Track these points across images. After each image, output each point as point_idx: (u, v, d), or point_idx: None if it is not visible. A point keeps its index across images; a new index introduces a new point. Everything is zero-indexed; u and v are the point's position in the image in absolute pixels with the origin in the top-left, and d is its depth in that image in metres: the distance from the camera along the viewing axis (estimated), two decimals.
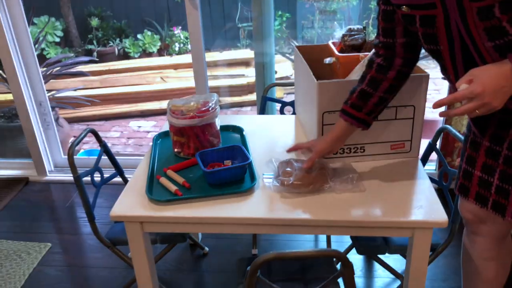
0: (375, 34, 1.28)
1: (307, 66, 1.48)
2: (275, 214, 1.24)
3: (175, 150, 1.52)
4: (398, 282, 1.87)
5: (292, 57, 4.60)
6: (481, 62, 1.01)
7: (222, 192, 1.31)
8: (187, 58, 4.77)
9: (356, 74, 1.49)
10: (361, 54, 1.52)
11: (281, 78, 4.19)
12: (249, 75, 4.43)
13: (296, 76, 1.73)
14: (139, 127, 4.01)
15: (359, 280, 1.90)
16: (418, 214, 1.21)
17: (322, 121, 1.40)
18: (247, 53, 4.70)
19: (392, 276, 1.89)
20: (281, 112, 2.03)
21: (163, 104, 4.15)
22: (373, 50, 1.29)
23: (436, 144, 1.62)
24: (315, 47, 1.71)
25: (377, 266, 1.97)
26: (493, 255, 1.32)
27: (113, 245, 1.55)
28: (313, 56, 1.63)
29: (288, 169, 1.31)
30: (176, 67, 4.67)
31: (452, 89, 1.17)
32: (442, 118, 2.41)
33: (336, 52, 1.57)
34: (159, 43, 5.05)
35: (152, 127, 3.99)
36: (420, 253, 1.26)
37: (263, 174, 1.37)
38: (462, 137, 1.50)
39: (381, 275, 1.92)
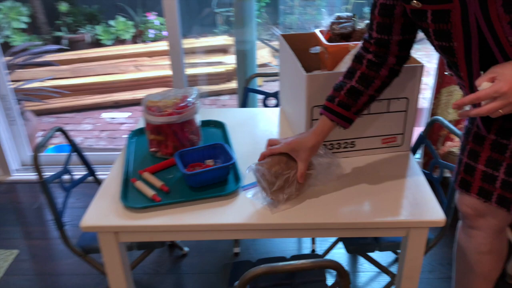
0: (367, 27, 1.17)
1: (294, 56, 1.37)
2: (263, 219, 1.14)
3: (152, 149, 1.40)
4: (384, 276, 1.81)
5: (272, 43, 4.48)
6: (503, 58, 0.92)
7: (204, 195, 1.20)
8: (162, 46, 4.59)
9: (346, 65, 1.39)
10: (350, 44, 1.43)
11: (260, 66, 4.08)
12: (227, 62, 4.29)
13: (281, 66, 1.62)
14: (113, 118, 3.84)
15: None
16: (414, 213, 1.14)
17: (311, 115, 1.30)
18: (224, 40, 4.55)
19: (376, 269, 1.83)
20: (264, 103, 1.93)
21: (137, 94, 3.99)
22: (361, 45, 1.18)
23: (427, 136, 1.54)
24: (301, 36, 1.60)
25: (361, 260, 1.91)
26: (490, 249, 1.28)
27: (85, 253, 1.43)
28: (299, 45, 1.53)
29: (273, 178, 1.19)
30: (151, 55, 4.49)
31: (463, 87, 1.09)
32: (426, 106, 2.35)
33: (325, 41, 1.46)
34: (133, 30, 4.85)
35: (126, 119, 3.83)
36: (414, 253, 1.19)
37: (243, 186, 1.24)
38: (455, 128, 1.43)
39: (367, 269, 1.86)
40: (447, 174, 2.15)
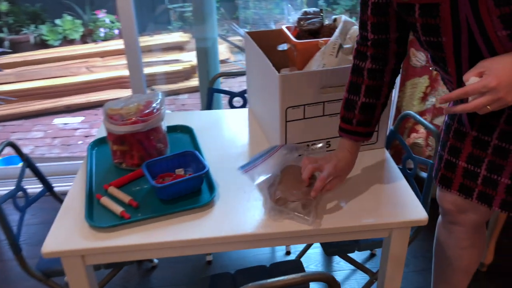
0: (359, 29, 1.11)
1: (264, 56, 1.30)
2: (241, 230, 1.07)
3: (116, 161, 1.29)
4: (358, 273, 1.79)
5: (230, 39, 4.40)
6: (489, 54, 0.90)
7: (177, 209, 1.12)
8: (115, 45, 4.39)
9: (317, 62, 1.34)
10: (320, 40, 1.38)
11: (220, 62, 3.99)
12: (184, 60, 4.17)
13: (248, 65, 1.56)
14: (65, 124, 3.64)
15: None
16: (396, 214, 1.11)
17: (286, 117, 1.24)
18: (180, 37, 4.42)
19: (351, 267, 1.81)
20: (230, 104, 1.85)
21: (91, 97, 3.80)
22: (355, 53, 1.13)
23: (398, 131, 1.53)
24: (267, 33, 1.54)
25: (337, 259, 1.89)
26: (470, 244, 1.28)
27: (46, 277, 1.31)
28: (265, 42, 1.46)
29: (281, 187, 1.12)
30: (103, 55, 4.29)
31: (450, 82, 1.07)
32: (391, 99, 2.36)
33: (293, 39, 1.41)
34: (81, 29, 4.61)
35: (80, 124, 3.63)
36: (397, 252, 1.16)
37: (241, 167, 1.17)
38: (427, 123, 1.42)
39: (343, 268, 1.84)
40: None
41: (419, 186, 1.38)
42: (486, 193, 1.13)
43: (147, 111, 1.25)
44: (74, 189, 1.23)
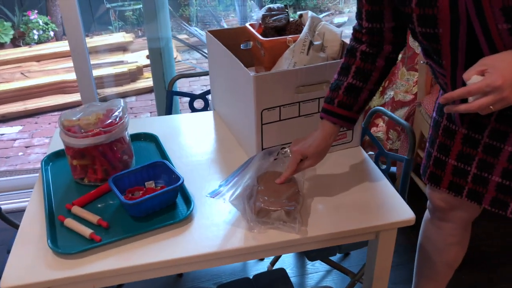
0: (356, 17, 1.06)
1: (232, 56, 1.23)
2: (226, 245, 1.00)
3: (76, 177, 1.17)
4: (335, 273, 1.77)
5: (179, 36, 4.25)
6: (488, 47, 0.87)
7: (153, 226, 1.02)
8: (51, 47, 4.11)
9: (287, 61, 1.29)
10: (288, 37, 1.32)
11: None
12: (128, 61, 3.99)
13: (212, 65, 1.47)
14: (2, 135, 3.36)
15: (294, 279, 1.76)
16: (382, 216, 1.08)
17: (261, 119, 1.18)
18: (123, 37, 4.22)
19: (326, 267, 1.79)
20: (191, 107, 1.76)
21: (28, 105, 3.53)
22: (352, 36, 1.09)
23: (369, 128, 1.51)
24: (229, 31, 1.46)
25: (307, 261, 1.86)
26: (457, 240, 1.29)
27: None
28: (227, 41, 1.38)
29: (260, 197, 1.04)
30: (38, 58, 4.01)
31: (442, 76, 1.03)
32: None
33: (260, 37, 1.34)
34: (12, 32, 4.28)
35: (18, 134, 3.36)
36: (384, 254, 1.14)
37: (210, 194, 1.07)
38: (399, 119, 1.41)
39: (318, 269, 1.81)
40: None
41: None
42: (476, 191, 1.11)
43: (109, 120, 1.14)
44: (30, 211, 1.09)
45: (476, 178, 1.10)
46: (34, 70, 3.89)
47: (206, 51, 3.21)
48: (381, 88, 2.15)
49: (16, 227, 1.55)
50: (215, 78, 1.48)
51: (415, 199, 1.58)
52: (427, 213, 1.36)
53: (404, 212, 1.09)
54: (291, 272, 1.79)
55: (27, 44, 4.28)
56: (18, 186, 2.13)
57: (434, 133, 1.18)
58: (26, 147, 3.21)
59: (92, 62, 3.99)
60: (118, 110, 1.18)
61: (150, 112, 3.53)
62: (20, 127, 3.43)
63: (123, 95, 3.77)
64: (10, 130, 3.41)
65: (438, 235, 1.30)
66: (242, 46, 1.51)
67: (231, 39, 1.44)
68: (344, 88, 1.06)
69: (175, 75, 2.15)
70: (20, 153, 3.13)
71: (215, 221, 1.05)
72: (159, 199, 1.06)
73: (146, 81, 3.84)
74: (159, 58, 1.97)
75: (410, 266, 1.53)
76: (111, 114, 1.17)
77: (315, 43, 1.28)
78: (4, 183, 2.15)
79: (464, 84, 0.86)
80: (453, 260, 1.33)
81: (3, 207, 2.13)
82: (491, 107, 0.83)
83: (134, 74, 3.86)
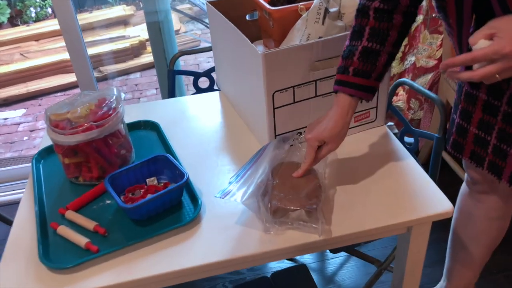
0: None
1: (237, 31, 1.08)
2: (240, 250, 0.88)
3: (70, 176, 1.05)
4: (355, 258, 1.65)
5: (182, 5, 4.05)
6: (501, 8, 0.75)
7: (156, 232, 0.90)
8: (50, 25, 3.95)
9: (299, 33, 1.13)
10: (299, 5, 1.16)
11: None
12: (130, 35, 3.81)
13: (215, 41, 1.32)
14: (5, 119, 3.26)
15: (314, 265, 1.65)
16: (415, 209, 0.95)
17: (273, 103, 1.03)
18: (123, 10, 4.04)
19: (343, 253, 1.67)
20: (195, 86, 1.62)
21: (31, 86, 3.41)
22: None
23: (391, 102, 1.36)
24: (233, 1, 1.30)
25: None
26: (500, 215, 1.18)
27: None
28: (230, 12, 1.23)
29: (276, 193, 0.92)
30: (37, 38, 3.85)
31: (451, 35, 0.91)
32: None
33: (267, 6, 1.18)
34: (8, 10, 4.11)
35: (22, 117, 3.26)
36: (417, 248, 1.02)
37: (220, 196, 0.92)
38: (426, 91, 1.26)
39: (338, 254, 1.70)
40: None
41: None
42: (496, 163, 1.01)
43: (102, 112, 1.01)
44: (20, 217, 0.99)
45: (496, 150, 0.99)
46: (34, 50, 3.74)
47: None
48: (400, 54, 1.97)
49: (10, 223, 1.45)
50: (219, 55, 1.33)
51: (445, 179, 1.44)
52: (464, 187, 1.24)
53: (440, 203, 0.96)
54: (309, 258, 1.68)
55: (25, 22, 4.12)
56: (17, 176, 2.04)
57: (457, 98, 1.08)
58: (31, 131, 3.11)
59: (92, 39, 3.83)
60: (112, 99, 1.05)
61: (156, 88, 3.39)
62: (23, 110, 3.32)
63: (127, 72, 3.62)
64: (14, 114, 3.30)
65: (478, 210, 1.18)
66: (247, 17, 1.35)
67: (236, 9, 1.29)
68: (359, 53, 0.90)
69: (176, 51, 2.00)
70: (25, 138, 3.04)
71: (227, 222, 0.93)
72: (161, 200, 0.94)
73: (150, 56, 3.65)
74: (158, 33, 1.81)
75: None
76: (103, 104, 1.03)
77: (331, 10, 1.11)
78: (3, 174, 2.06)
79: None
80: (495, 238, 1.22)
81: (8, 198, 2.04)
82: (497, 75, 0.72)
83: (137, 49, 3.69)
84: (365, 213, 0.94)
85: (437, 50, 1.86)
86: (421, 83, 1.93)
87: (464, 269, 1.31)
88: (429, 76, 1.88)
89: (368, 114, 1.17)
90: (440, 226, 0.96)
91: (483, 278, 1.35)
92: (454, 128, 1.09)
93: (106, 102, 1.03)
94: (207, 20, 3.28)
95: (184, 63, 3.67)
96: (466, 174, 1.20)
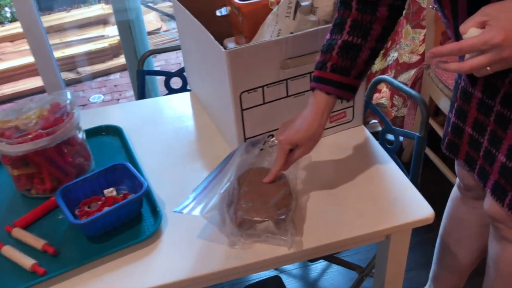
0: None
1: (201, 27, 1.00)
2: (203, 268, 0.80)
3: (21, 189, 0.97)
4: (334, 266, 1.58)
5: (158, 6, 3.95)
6: None
7: (112, 249, 0.82)
8: None
9: (270, 28, 1.06)
10: None
11: (149, 34, 3.57)
12: (110, 35, 3.71)
13: (183, 38, 1.24)
14: None
15: (295, 271, 1.58)
16: (395, 215, 0.88)
17: (241, 105, 0.96)
18: (102, 9, 3.93)
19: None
20: (167, 86, 1.53)
21: (5, 89, 3.30)
22: None
23: (371, 101, 1.29)
24: None
25: None
26: None
27: None
28: (198, 8, 1.15)
29: (242, 203, 0.85)
30: (12, 38, 3.73)
31: (448, 28, 0.84)
32: None
33: (236, 0, 1.10)
34: None
35: None
36: (398, 255, 0.95)
37: (177, 211, 0.85)
38: (407, 88, 1.19)
39: (319, 261, 1.63)
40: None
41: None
42: (484, 169, 0.94)
43: (54, 118, 0.92)
44: None
45: (486, 153, 0.92)
46: (9, 51, 3.62)
47: None
48: (383, 50, 1.90)
49: None
50: (188, 53, 1.25)
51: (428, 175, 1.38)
52: (455, 192, 1.18)
53: (420, 208, 0.89)
54: (290, 265, 1.61)
55: (0, 23, 3.99)
56: None
57: (453, 95, 1.00)
58: None
59: (69, 39, 3.72)
60: (65, 103, 0.96)
61: None
62: None
63: (106, 73, 3.51)
64: None
65: (471, 216, 1.13)
66: (217, 13, 1.27)
67: (205, 5, 1.20)
68: (339, 47, 0.82)
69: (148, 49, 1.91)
70: None
71: (190, 236, 0.85)
72: (118, 214, 0.86)
73: None
74: (128, 32, 1.72)
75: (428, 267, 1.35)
76: (56, 109, 0.95)
77: (303, 4, 1.04)
78: None
79: None
80: (485, 246, 1.15)
81: None
82: (488, 68, 0.65)
83: (116, 49, 3.59)
84: (340, 221, 0.87)
85: (420, 45, 1.80)
86: (404, 79, 1.86)
87: (452, 275, 1.26)
88: (412, 72, 1.82)
89: (344, 114, 1.10)
90: (423, 227, 0.89)
91: (468, 280, 1.29)
92: (450, 127, 1.02)
93: (60, 106, 0.95)
94: None
95: (166, 62, 3.58)
96: (458, 179, 1.14)
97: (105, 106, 1.29)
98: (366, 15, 0.82)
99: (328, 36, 0.86)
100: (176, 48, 1.46)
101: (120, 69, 3.55)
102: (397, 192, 0.93)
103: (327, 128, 1.09)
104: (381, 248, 0.97)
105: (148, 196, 0.92)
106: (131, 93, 3.26)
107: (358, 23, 0.82)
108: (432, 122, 1.77)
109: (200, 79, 1.20)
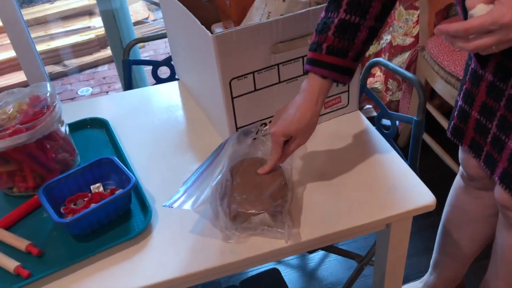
0: None
1: (187, 12, 0.95)
2: (196, 265, 0.76)
3: (2, 187, 0.92)
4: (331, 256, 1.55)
5: None
6: None
7: (100, 248, 0.78)
8: None
9: (259, 11, 1.01)
10: None
11: (136, 24, 3.49)
12: (96, 26, 3.63)
13: (169, 25, 1.19)
14: None
15: (294, 261, 1.55)
16: (395, 202, 0.85)
17: (231, 92, 0.91)
18: (86, 0, 3.84)
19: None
20: (154, 76, 1.48)
21: None
22: None
23: (366, 85, 1.25)
24: None
25: None
26: (497, 212, 1.06)
27: None
28: None
29: (236, 195, 0.80)
30: None
31: (459, 12, 0.79)
32: None
33: None
34: None
35: None
36: (398, 244, 0.92)
37: (167, 205, 0.81)
38: (403, 70, 1.15)
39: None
40: None
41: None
42: (492, 156, 0.90)
43: (33, 111, 0.87)
44: None
45: (494, 140, 0.88)
46: None
47: None
48: None
49: None
50: (175, 41, 1.19)
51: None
52: (459, 181, 1.14)
53: (420, 195, 0.86)
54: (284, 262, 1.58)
55: None
56: None
57: (463, 77, 0.95)
58: None
59: (54, 31, 3.63)
60: (45, 95, 0.91)
61: None
62: None
63: (94, 65, 3.44)
64: None
65: (476, 207, 1.09)
66: None
67: None
68: (335, 27, 0.76)
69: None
70: None
71: (182, 232, 0.82)
72: (105, 211, 0.81)
73: None
74: (113, 22, 1.66)
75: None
76: (36, 103, 0.90)
77: None
78: None
79: None
80: (491, 234, 1.12)
81: None
82: (493, 47, 0.61)
83: (104, 40, 3.51)
84: (338, 212, 0.83)
85: (413, 27, 1.75)
86: (398, 63, 1.82)
87: (454, 263, 1.23)
88: (406, 55, 1.78)
89: (339, 99, 1.05)
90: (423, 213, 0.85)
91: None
92: (456, 111, 0.98)
93: (40, 99, 0.90)
94: None
95: (154, 52, 3.51)
96: (461, 168, 1.10)
97: (91, 99, 1.24)
98: None
99: (323, 14, 0.80)
100: (162, 36, 1.41)
101: (108, 60, 3.48)
102: (396, 179, 0.89)
103: (322, 114, 1.05)
104: (381, 236, 0.94)
105: (137, 191, 0.88)
106: (119, 85, 3.20)
107: (356, 0, 0.77)
108: (428, 105, 1.74)
109: (187, 67, 1.15)
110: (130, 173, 0.85)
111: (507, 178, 0.87)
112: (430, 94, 1.86)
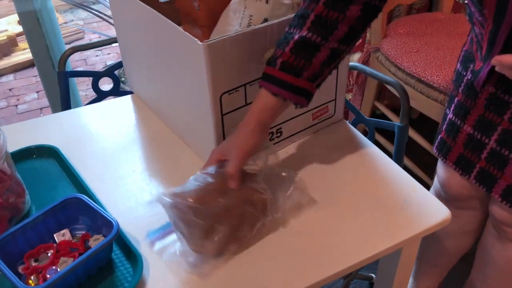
0: None
1: (159, 15, 0.80)
2: None
3: None
4: None
5: None
6: None
7: None
8: None
9: (238, 14, 0.89)
10: None
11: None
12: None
13: (122, 30, 1.02)
14: None
15: None
16: (407, 223, 0.77)
17: (221, 108, 0.78)
18: None
19: None
20: (95, 89, 1.28)
21: None
22: None
23: None
24: None
25: None
26: (475, 227, 1.06)
27: None
28: None
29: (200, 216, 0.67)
30: None
31: (480, 26, 0.73)
32: None
33: None
34: None
35: None
36: (407, 264, 0.86)
37: (149, 235, 0.69)
38: (383, 75, 1.11)
39: None
40: None
41: None
42: (489, 172, 0.87)
43: None
44: None
45: (493, 155, 0.84)
46: None
47: (95, 7, 2.60)
48: None
49: None
50: (129, 49, 1.03)
51: None
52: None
53: (434, 210, 0.80)
54: None
55: None
56: None
57: (454, 89, 0.91)
58: None
59: None
60: None
61: (37, 92, 2.88)
62: None
63: None
64: None
65: (453, 224, 1.05)
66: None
67: None
68: (294, 43, 0.69)
69: (63, 45, 1.61)
70: None
71: (187, 279, 0.67)
72: (84, 267, 0.65)
73: (24, 53, 3.12)
74: (36, 25, 1.42)
75: None
76: None
77: None
78: None
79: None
80: (466, 247, 1.12)
81: None
82: None
83: (6, 47, 3.11)
84: (350, 241, 0.75)
85: None
86: (352, 60, 1.80)
87: (432, 268, 1.22)
88: (356, 56, 1.76)
89: (326, 109, 0.97)
90: None
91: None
92: (445, 125, 0.93)
93: None
94: (94, 6, 2.83)
95: (85, 62, 3.19)
96: (436, 186, 1.05)
97: (24, 122, 1.01)
98: (334, 11, 0.68)
99: (286, 28, 0.72)
100: (106, 42, 1.22)
101: (13, 69, 3.09)
102: (406, 195, 0.83)
103: (309, 127, 0.96)
104: (384, 261, 0.88)
105: (120, 239, 0.72)
106: (32, 96, 2.85)
107: (322, 19, 0.69)
108: (378, 104, 1.73)
109: (150, 79, 0.99)
110: (107, 214, 0.69)
111: (511, 195, 0.85)
112: (379, 94, 1.86)
